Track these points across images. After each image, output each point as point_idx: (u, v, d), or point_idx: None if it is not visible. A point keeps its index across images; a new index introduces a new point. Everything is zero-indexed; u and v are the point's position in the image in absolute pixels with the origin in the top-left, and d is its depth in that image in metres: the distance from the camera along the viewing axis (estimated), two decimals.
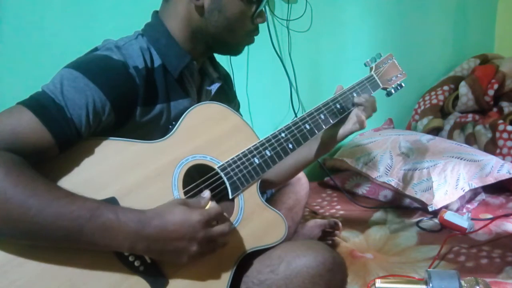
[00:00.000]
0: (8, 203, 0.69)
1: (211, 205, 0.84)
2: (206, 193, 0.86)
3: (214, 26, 0.94)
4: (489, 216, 1.65)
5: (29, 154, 0.75)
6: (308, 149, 1.16)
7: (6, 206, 0.69)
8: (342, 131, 1.11)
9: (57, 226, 0.72)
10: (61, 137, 0.78)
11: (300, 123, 1.03)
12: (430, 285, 1.03)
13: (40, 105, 0.78)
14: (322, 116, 1.06)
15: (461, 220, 1.54)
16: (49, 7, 1.48)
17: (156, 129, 0.93)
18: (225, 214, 0.87)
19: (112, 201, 0.81)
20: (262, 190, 1.15)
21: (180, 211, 0.79)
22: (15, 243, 0.74)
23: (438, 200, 1.67)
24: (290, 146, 1.00)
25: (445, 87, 2.49)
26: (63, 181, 0.79)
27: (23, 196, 0.70)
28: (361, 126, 1.10)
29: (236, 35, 0.98)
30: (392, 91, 1.24)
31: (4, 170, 0.70)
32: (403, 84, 1.25)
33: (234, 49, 1.03)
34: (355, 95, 1.12)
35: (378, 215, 1.76)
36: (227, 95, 1.11)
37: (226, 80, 1.14)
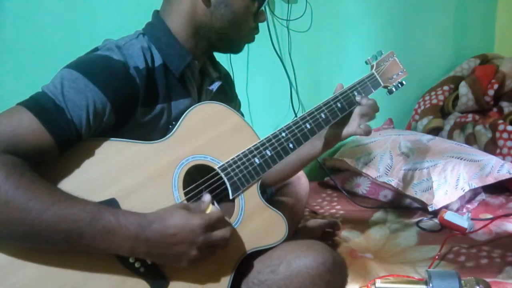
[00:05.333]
0: (8, 206, 0.69)
1: (212, 209, 0.83)
2: (207, 197, 0.85)
3: (219, 21, 0.95)
4: (489, 216, 1.64)
5: (29, 156, 0.75)
6: (310, 147, 1.16)
7: (6, 208, 0.69)
8: (346, 132, 1.11)
9: (57, 229, 0.72)
10: (61, 138, 0.78)
11: (300, 123, 1.03)
12: (430, 285, 1.03)
13: (40, 106, 0.78)
14: (323, 115, 1.06)
15: (461, 220, 1.54)
16: (49, 7, 1.48)
17: (157, 129, 0.93)
18: (226, 218, 0.86)
19: (112, 202, 0.81)
20: (263, 187, 1.15)
21: (181, 215, 0.78)
22: (16, 246, 0.74)
23: (438, 200, 1.67)
24: (291, 145, 1.00)
25: (445, 87, 2.49)
26: (63, 183, 0.79)
27: (23, 198, 0.70)
28: (366, 134, 1.11)
29: (240, 31, 0.98)
30: (393, 89, 1.24)
31: (5, 172, 0.70)
32: (404, 82, 1.25)
33: (235, 46, 1.03)
34: (356, 93, 1.12)
35: (378, 215, 1.76)
36: (227, 94, 1.11)
37: (226, 80, 1.14)
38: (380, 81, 1.20)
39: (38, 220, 0.70)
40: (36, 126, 0.76)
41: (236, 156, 0.93)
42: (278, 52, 2.01)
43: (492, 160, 1.82)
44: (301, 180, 1.40)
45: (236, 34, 0.99)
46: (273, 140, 0.98)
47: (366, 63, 1.21)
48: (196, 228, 0.78)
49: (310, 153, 1.17)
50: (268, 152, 0.97)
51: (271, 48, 1.97)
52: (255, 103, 1.95)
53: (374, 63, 1.21)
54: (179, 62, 0.94)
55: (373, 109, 1.12)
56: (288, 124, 1.01)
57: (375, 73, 1.19)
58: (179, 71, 0.94)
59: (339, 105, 1.09)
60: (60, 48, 1.48)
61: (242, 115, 1.05)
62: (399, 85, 1.24)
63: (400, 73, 1.25)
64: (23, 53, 1.46)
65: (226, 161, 0.93)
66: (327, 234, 1.51)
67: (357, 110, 1.11)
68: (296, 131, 1.01)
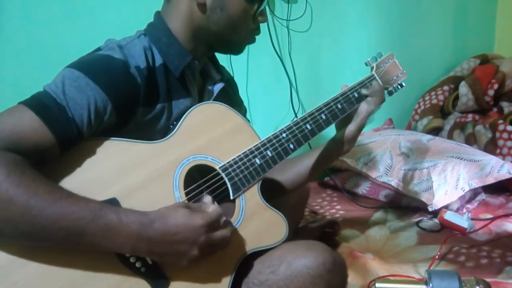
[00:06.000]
0: (10, 204, 0.69)
1: (212, 208, 0.83)
2: (207, 199, 0.86)
3: (216, 24, 0.94)
4: (489, 216, 1.65)
5: (30, 154, 0.75)
6: (322, 154, 1.15)
7: (8, 206, 0.69)
8: (353, 127, 1.07)
9: (59, 227, 0.72)
10: (62, 136, 0.78)
11: (301, 123, 1.02)
12: (430, 285, 1.03)
13: (42, 104, 0.78)
14: (324, 116, 1.06)
15: (461, 220, 1.55)
16: (49, 7, 1.48)
17: (158, 129, 0.93)
18: (226, 218, 0.86)
19: (113, 202, 0.80)
20: (275, 197, 1.14)
21: (183, 214, 0.79)
22: (17, 244, 0.74)
23: (438, 200, 1.68)
24: (291, 146, 1.00)
25: (445, 87, 2.49)
26: (64, 182, 0.79)
27: (25, 196, 0.70)
28: (368, 114, 1.08)
29: (238, 34, 0.98)
30: (393, 90, 1.24)
31: (6, 170, 0.70)
32: (403, 84, 1.25)
33: (235, 48, 1.03)
34: (356, 95, 1.12)
35: (378, 215, 1.77)
36: (230, 98, 1.10)
37: (230, 84, 1.13)
38: (380, 82, 1.20)
39: (39, 218, 0.70)
40: (37, 124, 0.76)
41: (237, 156, 0.93)
42: (278, 52, 2.01)
43: (492, 160, 1.83)
44: None
45: (235, 37, 0.98)
46: (274, 141, 0.98)
47: (366, 64, 1.21)
48: (198, 228, 0.78)
49: (323, 162, 1.15)
50: (269, 153, 0.96)
51: (271, 48, 1.97)
52: (255, 103, 1.95)
53: (374, 65, 1.20)
54: (179, 62, 0.94)
55: (380, 96, 1.11)
56: (289, 125, 1.01)
57: (375, 75, 1.19)
58: (178, 71, 0.94)
59: (339, 106, 1.09)
60: (61, 48, 1.48)
61: (248, 121, 1.04)
62: (399, 86, 1.24)
63: (400, 75, 1.25)
64: (23, 53, 1.46)
65: (227, 161, 0.92)
66: (327, 234, 1.51)
67: (362, 104, 1.09)
68: (296, 131, 1.01)
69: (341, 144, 1.11)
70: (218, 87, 1.04)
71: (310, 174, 1.18)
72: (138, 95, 0.88)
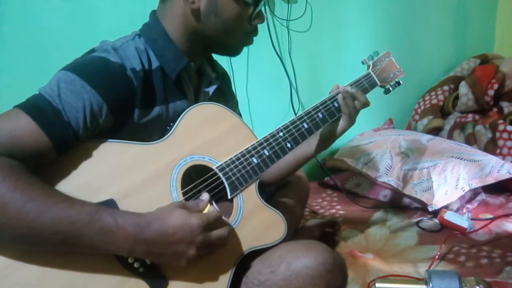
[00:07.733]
0: (6, 209, 0.69)
1: (210, 208, 0.83)
2: (205, 196, 0.85)
3: (211, 30, 0.94)
4: (489, 216, 1.64)
5: (27, 158, 0.75)
6: (308, 145, 1.16)
7: (4, 211, 0.69)
8: (340, 127, 1.11)
9: (55, 231, 0.71)
10: (58, 140, 0.78)
11: (298, 122, 1.03)
12: (430, 285, 1.03)
13: (37, 108, 0.77)
14: (320, 115, 1.06)
15: (461, 220, 1.54)
16: (49, 7, 1.48)
17: (155, 130, 0.92)
18: (224, 217, 0.86)
19: (110, 203, 0.80)
20: (261, 186, 1.15)
21: (179, 214, 0.78)
22: (14, 247, 0.73)
23: (438, 200, 1.67)
24: (288, 145, 1.00)
25: (445, 87, 2.49)
26: (61, 184, 0.79)
27: (21, 201, 0.70)
28: (351, 120, 1.10)
29: (234, 37, 0.97)
30: (390, 88, 1.24)
31: (2, 175, 0.70)
32: (400, 82, 1.25)
33: (232, 51, 1.02)
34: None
35: (378, 215, 1.76)
36: (225, 95, 1.10)
37: (224, 79, 1.14)
38: (376, 80, 1.20)
39: (35, 222, 0.70)
40: (33, 128, 0.76)
41: (234, 156, 0.93)
42: (278, 52, 2.01)
43: (492, 160, 1.82)
44: (302, 180, 1.40)
45: (231, 40, 0.98)
46: (271, 140, 0.98)
47: (363, 63, 1.22)
48: (194, 228, 0.78)
49: (307, 152, 1.16)
50: (266, 152, 0.96)
51: (271, 48, 1.97)
52: (255, 103, 1.95)
53: (371, 63, 1.21)
54: (175, 65, 0.93)
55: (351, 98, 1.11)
56: (286, 124, 1.01)
57: (372, 73, 1.19)
58: (175, 74, 0.93)
59: (336, 104, 1.09)
60: (60, 48, 1.47)
61: (240, 114, 1.04)
62: (396, 84, 1.25)
63: (396, 73, 1.25)
64: (23, 53, 1.46)
65: (224, 161, 0.92)
66: (327, 234, 1.51)
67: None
68: (293, 130, 1.01)
69: (328, 140, 1.13)
70: (212, 88, 1.04)
71: (297, 166, 1.20)
72: (134, 97, 0.87)
